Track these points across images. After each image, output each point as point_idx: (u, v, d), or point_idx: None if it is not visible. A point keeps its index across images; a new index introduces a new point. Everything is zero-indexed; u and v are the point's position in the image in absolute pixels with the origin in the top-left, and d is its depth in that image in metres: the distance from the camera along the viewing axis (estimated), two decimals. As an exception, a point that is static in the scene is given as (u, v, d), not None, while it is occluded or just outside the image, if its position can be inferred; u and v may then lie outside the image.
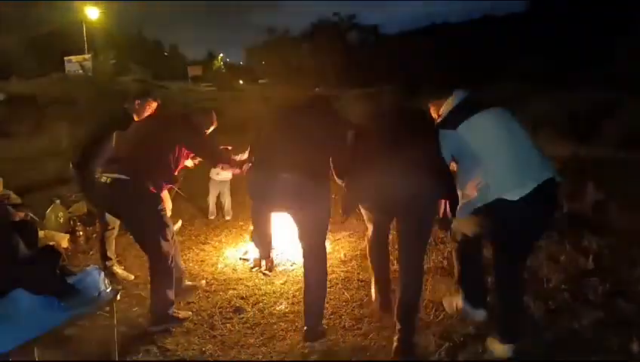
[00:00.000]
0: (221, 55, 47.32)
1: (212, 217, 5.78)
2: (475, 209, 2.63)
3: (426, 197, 2.68)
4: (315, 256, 3.01)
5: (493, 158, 2.58)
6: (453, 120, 2.69)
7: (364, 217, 3.23)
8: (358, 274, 4.01)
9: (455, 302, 3.08)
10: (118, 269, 4.07)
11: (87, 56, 25.26)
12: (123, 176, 3.06)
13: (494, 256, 2.78)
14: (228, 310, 3.46)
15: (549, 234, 4.48)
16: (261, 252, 4.07)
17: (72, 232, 4.86)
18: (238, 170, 3.53)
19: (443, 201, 2.99)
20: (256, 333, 3.15)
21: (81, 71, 20.79)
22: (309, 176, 2.76)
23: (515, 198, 2.46)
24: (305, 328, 3.00)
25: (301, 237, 3.02)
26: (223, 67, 43.48)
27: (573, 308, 3.25)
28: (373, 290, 3.35)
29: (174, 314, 3.28)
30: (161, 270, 3.20)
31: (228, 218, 5.73)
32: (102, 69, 19.49)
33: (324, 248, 3.06)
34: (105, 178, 3.10)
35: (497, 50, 29.85)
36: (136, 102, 3.86)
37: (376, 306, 3.29)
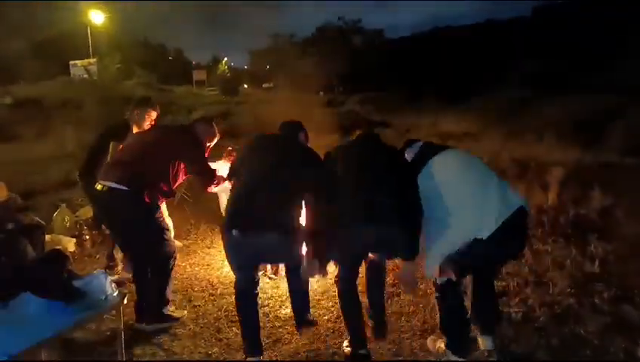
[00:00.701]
0: (225, 59, 47.56)
1: None
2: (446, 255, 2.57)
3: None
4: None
5: (459, 199, 2.55)
6: (420, 163, 2.75)
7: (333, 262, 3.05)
8: (362, 278, 4.00)
9: (438, 344, 2.92)
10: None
11: (92, 60, 25.40)
12: (120, 186, 3.02)
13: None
14: (234, 313, 3.45)
15: (554, 240, 4.48)
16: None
17: (78, 236, 4.89)
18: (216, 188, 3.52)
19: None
20: (262, 337, 3.15)
21: (86, 75, 20.88)
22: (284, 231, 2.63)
23: (485, 237, 2.45)
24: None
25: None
26: (227, 71, 43.68)
27: (579, 313, 3.25)
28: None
29: (169, 313, 3.32)
30: (161, 270, 3.22)
31: None
32: (107, 73, 19.59)
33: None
34: (101, 186, 3.08)
35: (501, 55, 29.83)
36: (136, 112, 3.84)
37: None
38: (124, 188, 3.01)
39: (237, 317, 3.36)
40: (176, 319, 3.33)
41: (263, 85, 30.30)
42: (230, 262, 2.83)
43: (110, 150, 3.69)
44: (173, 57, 44.60)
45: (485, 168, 2.73)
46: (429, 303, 3.47)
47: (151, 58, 33.78)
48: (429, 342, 2.99)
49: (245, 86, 35.15)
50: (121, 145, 3.43)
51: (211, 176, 3.36)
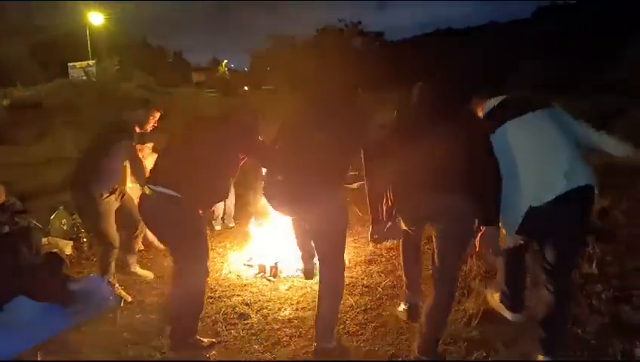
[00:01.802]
0: (225, 61, 47.47)
1: (218, 228, 5.58)
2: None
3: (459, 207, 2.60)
4: (329, 266, 2.86)
5: (524, 165, 2.55)
6: (502, 117, 2.67)
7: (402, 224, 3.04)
8: (363, 279, 4.01)
9: (495, 296, 3.22)
10: (137, 269, 4.19)
11: (90, 62, 25.32)
12: (172, 193, 2.76)
13: (544, 268, 2.67)
14: (232, 316, 3.45)
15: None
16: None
17: (75, 239, 4.88)
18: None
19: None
20: (261, 339, 3.15)
21: (84, 77, 20.85)
22: (317, 179, 2.69)
23: (544, 202, 2.46)
24: (315, 345, 2.88)
25: (316, 247, 2.96)
26: (227, 73, 43.65)
27: (578, 314, 3.23)
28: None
29: (198, 342, 3.03)
30: (189, 292, 2.92)
31: (232, 225, 5.63)
32: (106, 75, 19.56)
33: (341, 258, 2.89)
34: (150, 191, 2.83)
35: (502, 57, 29.84)
36: (140, 112, 3.79)
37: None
38: (179, 195, 2.76)
39: (235, 320, 3.37)
40: (208, 348, 3.02)
41: (263, 87, 30.25)
42: None
43: (121, 152, 3.60)
44: (173, 59, 44.55)
45: (561, 139, 2.59)
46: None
47: (150, 60, 33.74)
48: (488, 295, 3.23)
49: (245, 88, 35.09)
50: (140, 146, 3.50)
51: (274, 157, 2.97)
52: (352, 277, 4.05)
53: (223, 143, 2.86)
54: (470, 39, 36.16)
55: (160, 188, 2.77)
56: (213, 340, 3.11)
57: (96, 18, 31.50)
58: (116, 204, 3.75)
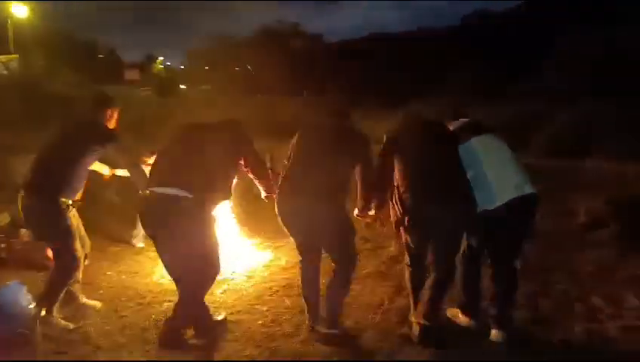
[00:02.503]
0: (161, 58, 46.09)
1: (141, 245, 4.89)
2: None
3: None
4: (347, 265, 3.04)
5: (486, 172, 2.97)
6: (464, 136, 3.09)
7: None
8: (299, 280, 3.97)
9: (457, 314, 3.31)
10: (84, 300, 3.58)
11: (13, 56, 23.78)
12: (182, 193, 2.71)
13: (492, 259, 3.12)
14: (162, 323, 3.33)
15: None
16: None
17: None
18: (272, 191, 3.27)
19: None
20: (195, 345, 3.05)
21: (5, 72, 19.53)
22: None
23: (490, 208, 2.91)
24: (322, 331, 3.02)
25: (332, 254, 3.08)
26: (163, 71, 42.37)
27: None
28: None
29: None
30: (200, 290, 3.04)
31: (140, 245, 4.90)
32: (30, 71, 18.42)
33: (356, 253, 3.15)
34: (150, 193, 2.76)
35: (435, 62, 30.94)
36: (108, 112, 3.39)
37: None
38: (188, 194, 2.72)
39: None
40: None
41: (202, 87, 29.60)
42: None
43: (95, 157, 3.27)
44: (104, 55, 42.62)
45: (510, 156, 3.10)
46: (362, 304, 3.53)
47: (80, 56, 32.12)
48: (449, 312, 3.29)
49: (183, 87, 34.20)
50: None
51: (266, 168, 3.29)
52: (288, 278, 4.04)
53: (229, 145, 2.96)
54: (406, 43, 37.22)
55: (169, 190, 2.72)
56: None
57: (19, 10, 29.48)
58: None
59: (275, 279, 4.05)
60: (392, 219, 3.07)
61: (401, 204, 2.94)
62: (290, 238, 3.14)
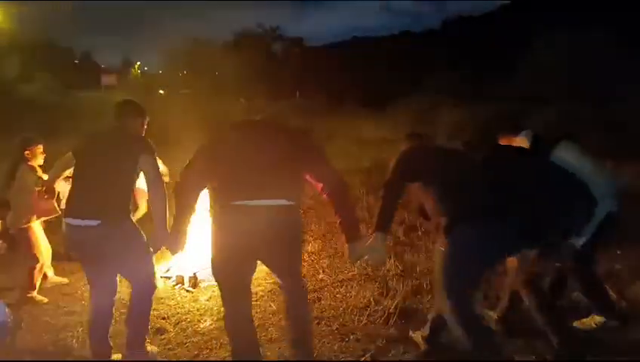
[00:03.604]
0: (138, 63, 45.50)
1: None
2: None
3: None
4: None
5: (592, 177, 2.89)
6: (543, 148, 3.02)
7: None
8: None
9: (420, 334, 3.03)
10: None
11: (-14, 61, 23.21)
12: (284, 201, 2.44)
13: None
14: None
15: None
16: None
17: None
18: None
19: None
20: (179, 354, 3.03)
21: (-22, 78, 19.06)
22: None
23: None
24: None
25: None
26: (140, 76, 41.87)
27: (485, 307, 3.43)
28: None
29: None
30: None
31: None
32: (3, 76, 18.03)
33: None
34: (249, 204, 2.40)
35: (415, 65, 31.29)
36: (143, 121, 3.03)
37: None
38: (292, 203, 2.47)
39: (151, 336, 3.21)
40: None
41: (180, 91, 29.29)
42: None
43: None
44: (80, 60, 41.92)
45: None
46: (348, 306, 3.53)
47: (55, 61, 31.53)
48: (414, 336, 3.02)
49: (161, 92, 33.81)
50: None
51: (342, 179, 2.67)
52: (273, 283, 4.02)
53: (293, 146, 2.58)
54: (386, 47, 37.56)
55: (267, 201, 2.41)
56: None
57: (-9, 14, 28.85)
58: None
59: (260, 284, 4.03)
60: None
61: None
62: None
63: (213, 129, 2.98)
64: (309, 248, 4.74)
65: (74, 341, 3.19)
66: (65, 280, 4.32)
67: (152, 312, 3.43)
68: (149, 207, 2.92)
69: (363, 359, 2.87)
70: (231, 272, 2.55)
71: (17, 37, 29.65)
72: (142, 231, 2.78)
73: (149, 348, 2.95)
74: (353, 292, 3.78)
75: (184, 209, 2.60)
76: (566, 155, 2.92)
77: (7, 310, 2.61)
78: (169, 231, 2.66)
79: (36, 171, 3.87)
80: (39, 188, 3.55)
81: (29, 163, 3.87)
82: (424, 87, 24.45)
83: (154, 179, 2.73)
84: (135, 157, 2.70)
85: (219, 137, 2.69)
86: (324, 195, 2.60)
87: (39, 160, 3.95)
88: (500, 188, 2.55)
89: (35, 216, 3.89)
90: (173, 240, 2.64)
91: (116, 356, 2.90)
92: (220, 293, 2.63)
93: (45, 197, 3.45)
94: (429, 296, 3.59)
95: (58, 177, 3.24)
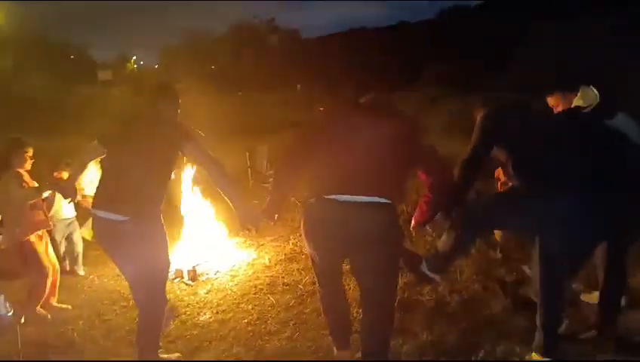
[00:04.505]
0: (134, 57, 45.19)
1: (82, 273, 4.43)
2: None
3: None
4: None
5: None
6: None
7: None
8: (283, 278, 4.01)
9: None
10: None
11: (-19, 58, 23.09)
12: (380, 198, 2.20)
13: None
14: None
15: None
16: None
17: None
18: None
19: None
20: (179, 347, 3.04)
21: (-26, 74, 19.01)
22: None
23: None
24: None
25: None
26: (136, 70, 41.69)
27: (485, 297, 3.47)
28: None
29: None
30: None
31: (81, 272, 4.44)
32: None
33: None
34: (340, 199, 2.19)
35: (412, 56, 31.19)
36: (177, 107, 2.79)
37: None
38: (389, 201, 2.25)
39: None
40: None
41: (177, 85, 29.26)
42: None
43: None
44: (75, 55, 41.62)
45: None
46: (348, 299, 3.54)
47: (51, 57, 31.34)
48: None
49: (158, 85, 33.60)
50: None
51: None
52: (272, 276, 4.05)
53: (401, 136, 2.31)
54: (383, 38, 37.43)
55: (360, 198, 2.18)
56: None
57: (-15, 10, 28.62)
58: None
59: (259, 277, 4.05)
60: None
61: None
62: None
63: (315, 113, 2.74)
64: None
65: (75, 334, 3.21)
66: (68, 307, 3.66)
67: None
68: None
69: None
70: (321, 260, 2.43)
71: (12, 33, 29.49)
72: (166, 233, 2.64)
73: (164, 356, 2.84)
74: (352, 285, 3.79)
75: (280, 196, 2.48)
76: (628, 119, 2.65)
77: (7, 304, 2.62)
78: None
79: (23, 179, 3.36)
80: (31, 202, 3.28)
81: (17, 169, 3.36)
82: (421, 78, 24.40)
83: (209, 162, 2.50)
84: (176, 146, 2.50)
85: (319, 122, 2.50)
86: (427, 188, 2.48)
87: (27, 166, 3.44)
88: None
89: (28, 231, 3.36)
90: (270, 210, 2.48)
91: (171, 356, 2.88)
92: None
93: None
94: (428, 288, 3.61)
95: (83, 170, 2.86)
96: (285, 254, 4.53)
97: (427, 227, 2.76)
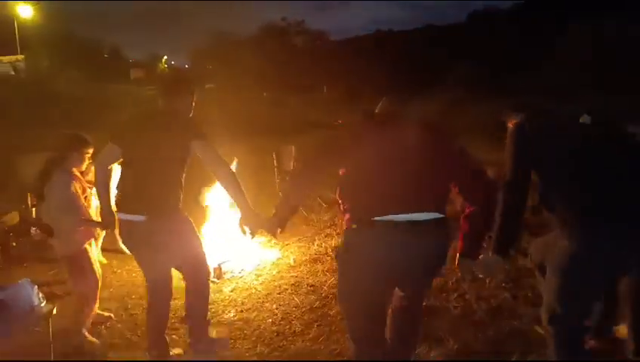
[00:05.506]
0: (165, 57, 46.12)
1: None
2: None
3: None
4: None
5: None
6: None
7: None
8: (308, 279, 4.00)
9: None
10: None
11: (20, 56, 23.93)
12: (437, 214, 2.03)
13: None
14: (173, 321, 3.32)
15: (489, 236, 4.66)
16: None
17: (3, 244, 4.56)
18: None
19: None
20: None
21: (13, 72, 19.68)
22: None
23: None
24: None
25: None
26: (167, 69, 42.46)
27: (513, 306, 3.38)
28: None
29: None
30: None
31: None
32: (36, 70, 18.53)
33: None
34: (397, 220, 1.96)
35: (439, 58, 30.92)
36: (193, 100, 2.74)
37: None
38: (439, 214, 2.06)
39: (176, 325, 3.26)
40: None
41: (206, 86, 29.72)
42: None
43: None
44: (109, 54, 42.72)
45: None
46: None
47: (85, 55, 32.24)
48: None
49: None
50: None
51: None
52: (297, 277, 4.04)
53: (442, 149, 2.16)
54: (410, 41, 37.19)
55: (419, 215, 1.99)
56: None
57: (24, 10, 29.61)
58: None
59: (284, 277, 4.05)
60: None
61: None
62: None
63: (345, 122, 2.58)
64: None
65: (102, 327, 3.27)
66: (111, 315, 3.46)
67: (177, 301, 3.43)
68: None
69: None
70: (364, 296, 2.10)
71: (49, 33, 30.44)
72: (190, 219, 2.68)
73: (215, 333, 2.95)
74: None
75: (290, 207, 2.23)
76: None
77: (40, 295, 2.68)
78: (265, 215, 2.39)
79: (81, 182, 3.08)
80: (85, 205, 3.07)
81: (71, 170, 3.04)
82: (448, 81, 24.17)
83: (216, 163, 2.47)
84: (186, 144, 2.47)
85: (351, 132, 2.25)
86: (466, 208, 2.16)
87: (83, 167, 3.13)
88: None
89: (85, 239, 3.07)
90: (273, 224, 2.23)
91: (176, 351, 2.92)
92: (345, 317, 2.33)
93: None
94: (455, 294, 3.55)
95: (108, 190, 2.73)
96: (310, 255, 4.52)
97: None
